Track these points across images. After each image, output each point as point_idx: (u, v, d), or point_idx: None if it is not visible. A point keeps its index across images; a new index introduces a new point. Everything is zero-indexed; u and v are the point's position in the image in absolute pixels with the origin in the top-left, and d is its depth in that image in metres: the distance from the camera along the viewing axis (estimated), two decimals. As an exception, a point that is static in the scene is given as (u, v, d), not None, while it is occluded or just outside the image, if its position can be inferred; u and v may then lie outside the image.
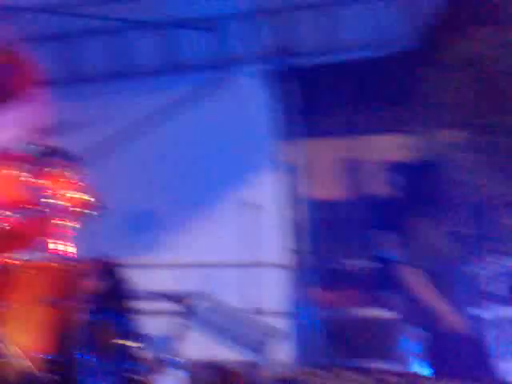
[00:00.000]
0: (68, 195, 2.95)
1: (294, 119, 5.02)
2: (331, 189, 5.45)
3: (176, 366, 4.09)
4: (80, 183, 2.99)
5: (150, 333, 3.27)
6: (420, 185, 4.41)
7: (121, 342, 3.00)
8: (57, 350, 2.68)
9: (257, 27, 5.08)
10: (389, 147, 5.19)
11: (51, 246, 2.99)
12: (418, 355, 4.26)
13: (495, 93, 4.47)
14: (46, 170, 2.93)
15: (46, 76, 3.21)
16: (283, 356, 4.78)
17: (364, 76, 5.02)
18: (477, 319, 4.31)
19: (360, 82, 5.05)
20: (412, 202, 4.35)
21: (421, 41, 4.86)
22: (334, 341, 4.85)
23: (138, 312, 3.14)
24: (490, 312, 4.42)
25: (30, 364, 2.65)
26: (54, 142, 3.12)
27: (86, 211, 3.01)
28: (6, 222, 2.89)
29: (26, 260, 2.92)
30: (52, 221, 2.96)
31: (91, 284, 2.85)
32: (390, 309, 4.50)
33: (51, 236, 3.00)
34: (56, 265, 2.89)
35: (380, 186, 4.90)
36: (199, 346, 4.64)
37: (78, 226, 3.01)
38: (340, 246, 5.35)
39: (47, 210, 2.93)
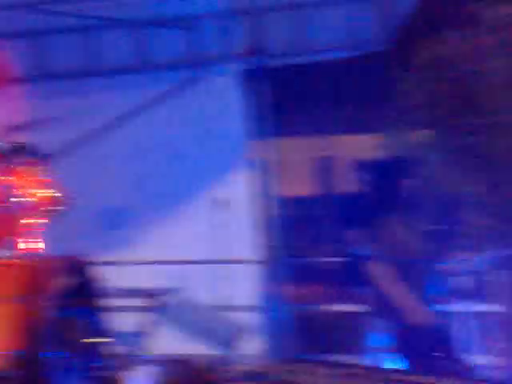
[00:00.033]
0: (36, 192, 2.96)
1: (266, 118, 5.08)
2: (303, 186, 5.52)
3: (147, 361, 4.12)
4: (48, 180, 3.01)
5: (122, 329, 3.30)
6: (390, 183, 4.48)
7: (91, 339, 3.03)
8: (25, 347, 2.70)
9: (231, 27, 5.13)
10: (360, 146, 5.27)
11: (19, 243, 3.00)
12: (387, 349, 4.33)
13: (465, 94, 4.56)
14: (13, 167, 2.94)
15: (18, 73, 3.23)
16: (254, 350, 4.84)
17: (336, 76, 5.09)
18: (445, 314, 4.40)
19: (332, 82, 5.12)
20: (382, 200, 4.42)
21: (393, 42, 4.93)
22: (305, 335, 4.92)
23: (108, 309, 3.17)
24: (457, 307, 4.52)
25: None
26: (23, 138, 3.14)
27: (54, 208, 3.03)
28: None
29: (-5, 257, 2.93)
30: (20, 218, 2.98)
31: (60, 281, 2.87)
32: (360, 304, 4.57)
33: (19, 233, 3.01)
34: (24, 262, 2.91)
35: (351, 184, 4.97)
36: (171, 342, 4.68)
37: (46, 222, 3.04)
38: (311, 243, 5.42)
39: (15, 207, 2.94)
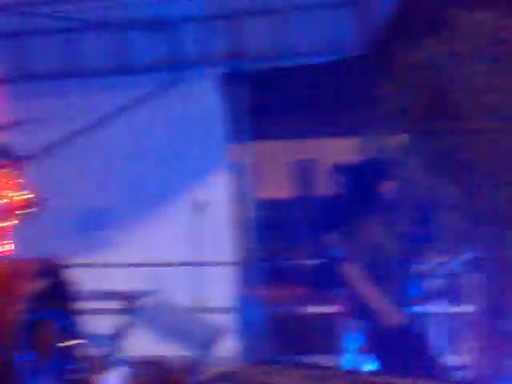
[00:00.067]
0: (8, 194, 2.96)
1: (245, 121, 5.12)
2: (280, 189, 5.57)
3: (120, 363, 4.14)
4: (20, 181, 3.01)
5: (97, 331, 3.31)
6: (368, 186, 4.54)
7: (64, 341, 3.04)
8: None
9: (210, 30, 5.16)
10: (338, 150, 5.32)
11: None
12: (362, 350, 4.39)
13: (442, 99, 4.61)
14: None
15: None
16: (229, 352, 4.88)
17: (315, 80, 5.14)
18: (419, 315, 4.46)
19: (311, 86, 5.17)
20: (360, 203, 4.48)
21: (371, 46, 4.98)
22: (280, 337, 4.96)
23: (83, 311, 3.18)
24: (432, 308, 4.59)
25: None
26: (2, 139, 3.14)
27: (27, 209, 3.03)
28: None
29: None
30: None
31: (33, 284, 2.88)
32: (335, 305, 4.62)
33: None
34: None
35: (328, 187, 5.02)
36: (147, 344, 4.71)
37: (18, 224, 3.04)
38: (286, 245, 5.48)
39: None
